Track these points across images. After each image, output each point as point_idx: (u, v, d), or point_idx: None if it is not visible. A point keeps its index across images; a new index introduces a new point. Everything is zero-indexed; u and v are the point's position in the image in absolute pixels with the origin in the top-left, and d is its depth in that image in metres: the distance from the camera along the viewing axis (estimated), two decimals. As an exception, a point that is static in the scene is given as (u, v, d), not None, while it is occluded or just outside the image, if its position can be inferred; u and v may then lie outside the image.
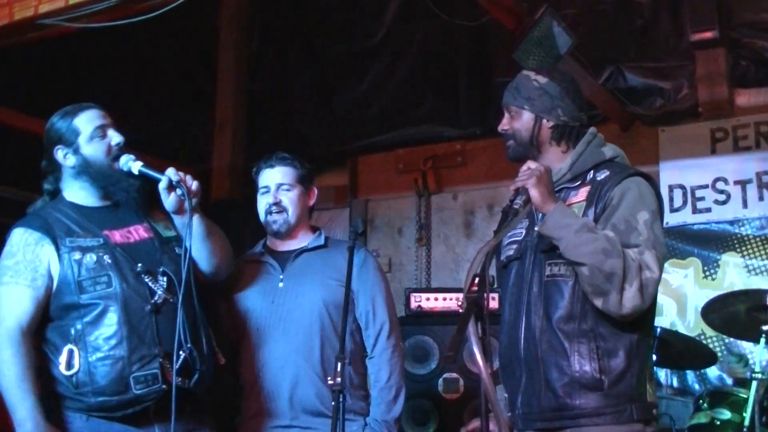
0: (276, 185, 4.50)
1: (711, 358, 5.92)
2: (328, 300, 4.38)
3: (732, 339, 6.30)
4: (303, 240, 4.58)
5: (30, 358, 3.65)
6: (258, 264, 4.55)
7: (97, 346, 3.67)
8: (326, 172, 7.99)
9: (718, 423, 5.12)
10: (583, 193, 3.54)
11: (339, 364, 3.76)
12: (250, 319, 4.43)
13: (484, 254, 3.05)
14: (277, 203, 4.48)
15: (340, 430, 3.71)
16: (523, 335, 3.49)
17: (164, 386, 3.70)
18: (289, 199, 4.51)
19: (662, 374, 6.44)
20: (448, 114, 7.70)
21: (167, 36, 8.62)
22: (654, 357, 5.36)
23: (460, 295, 6.30)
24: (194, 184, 3.93)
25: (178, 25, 8.45)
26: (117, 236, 3.88)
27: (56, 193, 4.01)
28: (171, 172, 3.87)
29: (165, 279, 3.88)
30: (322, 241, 4.58)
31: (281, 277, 4.48)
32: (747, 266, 6.52)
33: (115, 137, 3.95)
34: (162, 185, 3.88)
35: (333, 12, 8.19)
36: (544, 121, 3.64)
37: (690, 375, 6.53)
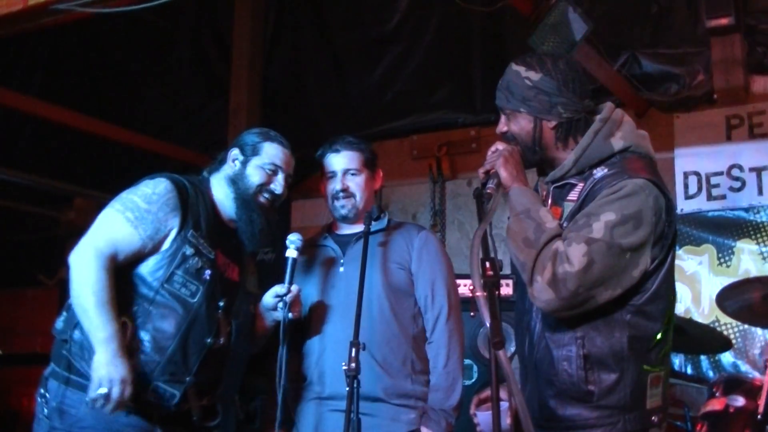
0: (343, 170, 4.49)
1: (725, 345, 5.90)
2: (389, 284, 4.36)
3: (747, 326, 6.29)
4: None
5: (113, 289, 3.65)
6: (320, 248, 4.57)
7: (145, 338, 3.68)
8: None
9: (732, 410, 5.08)
10: (577, 191, 3.33)
11: (353, 350, 3.77)
12: (310, 304, 4.43)
13: (480, 239, 2.95)
14: (345, 189, 4.47)
15: (354, 416, 3.72)
16: (527, 338, 3.43)
17: (174, 408, 3.73)
18: (357, 184, 4.50)
19: (677, 361, 6.45)
20: (462, 100, 7.71)
21: (182, 21, 8.67)
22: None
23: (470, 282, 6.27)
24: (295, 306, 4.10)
25: (194, 10, 8.50)
26: (221, 262, 3.94)
27: (205, 179, 4.11)
28: (294, 289, 4.06)
29: (230, 326, 3.94)
30: (383, 225, 4.54)
31: (342, 261, 4.47)
32: (762, 253, 6.50)
33: (278, 186, 4.06)
34: (280, 290, 4.04)
35: (348, -2, 8.19)
36: (545, 122, 3.38)
37: (704, 361, 6.53)
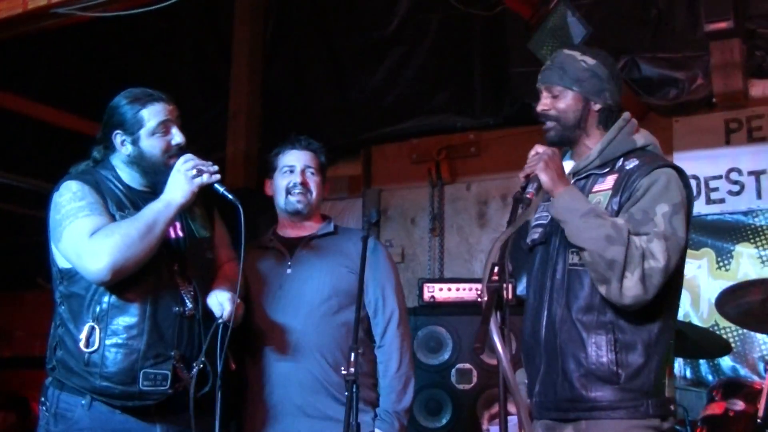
0: (303, 166, 4.48)
1: (725, 349, 5.93)
2: (338, 286, 4.35)
3: (746, 330, 6.28)
4: (313, 227, 4.54)
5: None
6: (267, 250, 4.53)
7: (116, 331, 3.62)
8: (340, 162, 8.00)
9: (732, 414, 5.10)
10: (610, 181, 3.51)
11: (353, 354, 3.74)
12: (258, 305, 4.38)
13: (502, 243, 3.03)
14: (304, 183, 4.45)
15: (354, 419, 3.68)
16: (544, 323, 3.51)
17: (170, 390, 3.68)
18: (314, 182, 4.49)
19: (676, 365, 6.44)
20: (462, 104, 7.71)
21: (183, 24, 8.67)
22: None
23: (477, 286, 6.26)
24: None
25: (194, 13, 8.50)
26: None
27: (101, 161, 3.94)
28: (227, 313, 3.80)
29: (192, 288, 3.84)
30: (331, 229, 4.55)
31: (289, 263, 4.45)
32: (761, 257, 6.52)
33: (176, 137, 3.87)
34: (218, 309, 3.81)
35: (348, 1, 8.21)
36: (592, 103, 3.60)
37: (704, 365, 6.54)
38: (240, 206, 3.76)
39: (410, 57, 7.89)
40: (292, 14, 8.53)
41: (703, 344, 5.79)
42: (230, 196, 3.79)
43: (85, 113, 7.41)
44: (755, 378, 5.93)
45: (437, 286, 6.45)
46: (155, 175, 3.83)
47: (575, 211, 3.33)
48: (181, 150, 3.85)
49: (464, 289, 6.39)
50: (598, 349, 3.33)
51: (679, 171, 3.50)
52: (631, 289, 3.22)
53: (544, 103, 3.64)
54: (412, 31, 7.91)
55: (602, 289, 3.29)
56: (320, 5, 8.39)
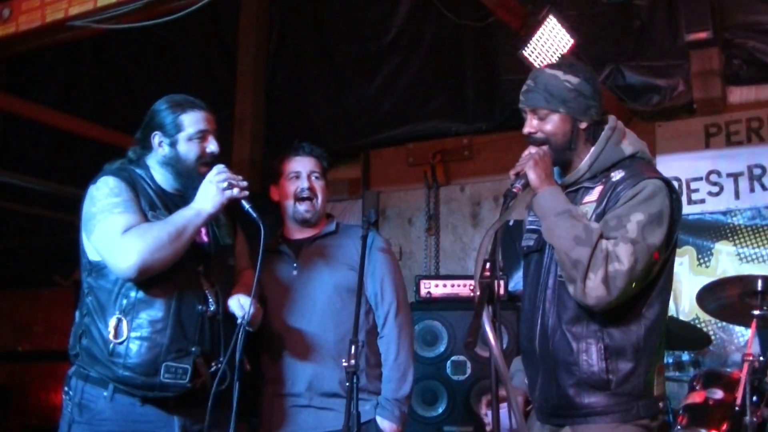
0: (309, 171, 4.56)
1: (705, 341, 6.14)
2: (339, 284, 4.44)
3: (725, 323, 6.45)
4: (317, 228, 4.64)
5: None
6: (273, 253, 4.57)
7: (141, 325, 3.68)
8: (340, 166, 8.10)
9: (712, 402, 5.22)
10: (596, 193, 3.47)
11: (353, 347, 3.85)
12: (270, 307, 4.44)
13: (491, 238, 3.13)
14: (311, 188, 4.54)
15: (354, 410, 3.79)
16: (538, 332, 3.52)
17: (189, 384, 3.73)
18: (320, 187, 4.57)
19: (659, 356, 6.61)
20: (455, 110, 7.87)
21: (190, 36, 8.80)
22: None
23: (471, 282, 6.43)
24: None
25: (201, 25, 8.63)
26: None
27: (135, 161, 3.98)
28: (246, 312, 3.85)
29: (214, 290, 3.90)
30: (332, 228, 4.63)
31: (295, 265, 4.54)
32: (739, 254, 6.69)
33: (211, 145, 3.93)
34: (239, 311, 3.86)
35: (347, 13, 8.35)
36: (579, 122, 3.51)
37: (685, 357, 6.71)
38: (262, 226, 3.80)
39: (406, 66, 8.05)
40: (294, 26, 8.67)
41: (684, 337, 5.99)
42: (254, 215, 3.83)
43: (98, 120, 7.58)
44: (733, 368, 6.07)
45: (433, 282, 6.64)
46: (187, 180, 3.90)
47: (551, 209, 3.36)
48: (214, 159, 3.93)
49: (458, 286, 6.58)
50: (589, 359, 3.34)
51: (667, 183, 3.43)
52: (594, 289, 3.22)
53: (531, 125, 3.54)
54: (407, 41, 8.07)
55: (570, 289, 3.31)
56: (320, 17, 8.53)
